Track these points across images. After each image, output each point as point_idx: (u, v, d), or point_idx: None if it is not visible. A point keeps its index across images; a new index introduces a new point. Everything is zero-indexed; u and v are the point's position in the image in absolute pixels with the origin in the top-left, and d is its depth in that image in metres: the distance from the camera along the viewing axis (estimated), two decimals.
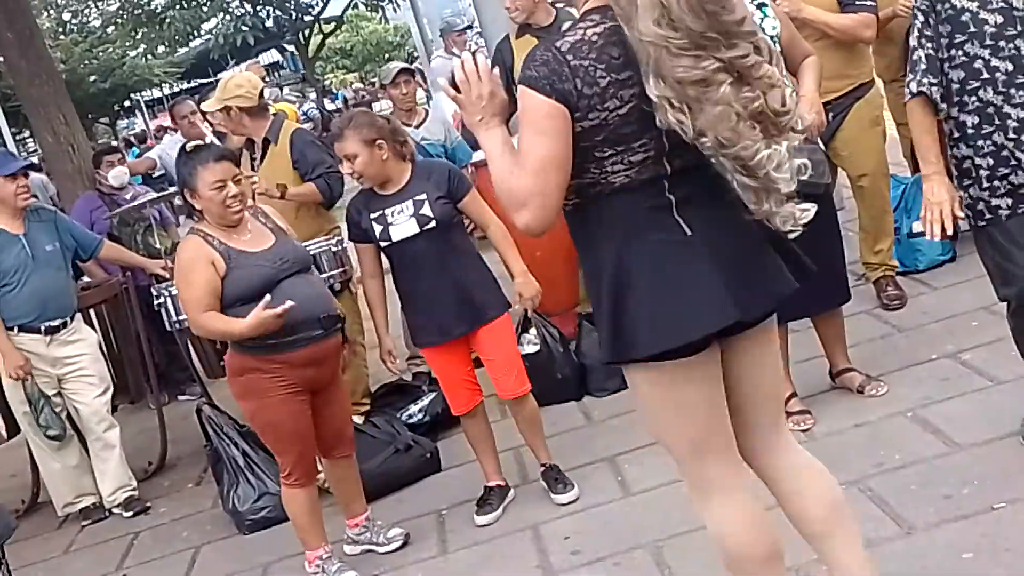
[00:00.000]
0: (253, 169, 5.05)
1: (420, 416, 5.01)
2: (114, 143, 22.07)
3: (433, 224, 3.90)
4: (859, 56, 4.95)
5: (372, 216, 3.95)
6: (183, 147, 3.88)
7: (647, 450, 4.21)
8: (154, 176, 8.32)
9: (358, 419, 4.84)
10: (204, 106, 5.12)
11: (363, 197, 4.04)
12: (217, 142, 5.72)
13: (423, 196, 3.92)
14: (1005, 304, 3.43)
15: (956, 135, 3.35)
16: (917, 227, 5.23)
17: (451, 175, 4.04)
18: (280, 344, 3.60)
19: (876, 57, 5.54)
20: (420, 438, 4.72)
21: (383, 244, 3.96)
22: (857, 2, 4.74)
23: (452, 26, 11.17)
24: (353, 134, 3.87)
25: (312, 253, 4.77)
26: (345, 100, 26.81)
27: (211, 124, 6.04)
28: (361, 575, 3.86)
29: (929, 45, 3.30)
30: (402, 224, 3.91)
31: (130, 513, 5.13)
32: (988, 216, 3.31)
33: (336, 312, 3.80)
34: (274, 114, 5.26)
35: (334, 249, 4.83)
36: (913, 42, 3.36)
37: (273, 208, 4.03)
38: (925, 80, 3.28)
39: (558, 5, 5.58)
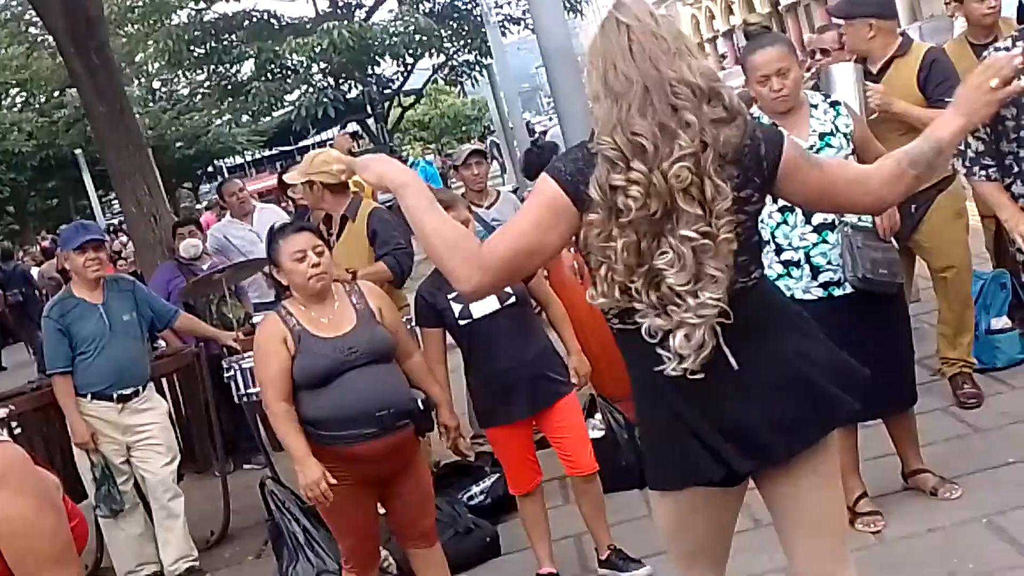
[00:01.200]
0: (329, 248, 5.11)
1: (482, 498, 4.97)
2: (197, 208, 22.65)
3: (513, 300, 3.92)
4: None
5: (450, 296, 3.94)
6: (271, 227, 3.92)
7: None
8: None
9: None
10: (287, 178, 5.19)
11: (435, 279, 4.04)
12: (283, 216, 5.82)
13: None
14: None
15: None
16: (996, 324, 5.17)
17: None
18: (332, 437, 3.54)
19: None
20: (481, 521, 4.68)
21: (462, 322, 3.94)
22: (946, 98, 4.68)
23: None
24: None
25: None
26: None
27: (291, 197, 6.15)
28: None
29: (983, 130, 3.30)
30: (483, 301, 3.89)
31: None
32: None
33: (407, 407, 3.67)
34: (354, 192, 5.34)
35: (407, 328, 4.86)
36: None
37: (372, 286, 3.96)
38: (975, 167, 3.26)
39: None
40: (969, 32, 5.34)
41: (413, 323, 4.59)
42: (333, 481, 3.47)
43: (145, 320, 5.28)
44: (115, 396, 5.06)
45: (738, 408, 2.34)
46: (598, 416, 4.90)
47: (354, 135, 28.39)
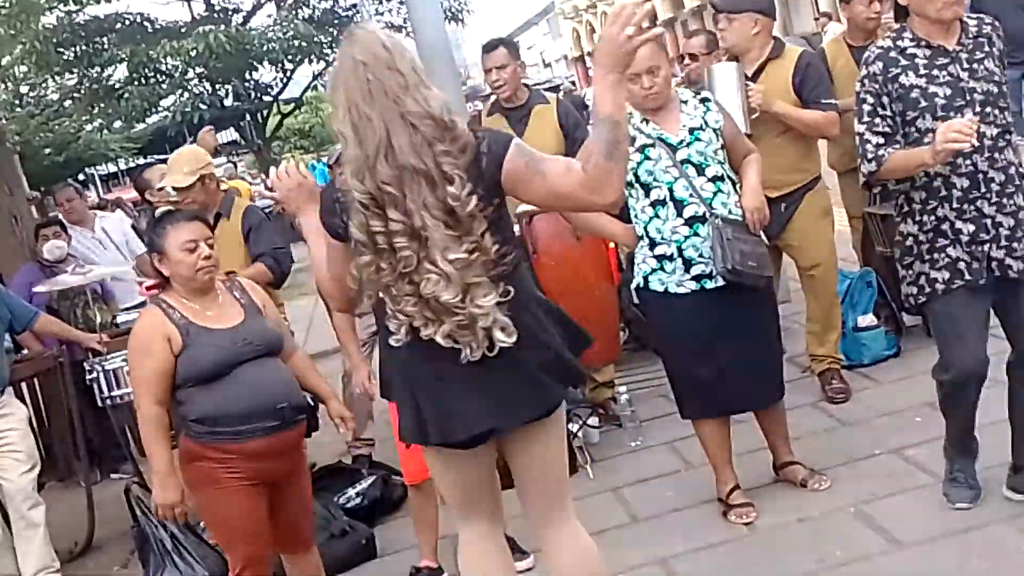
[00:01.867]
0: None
1: (358, 500, 4.88)
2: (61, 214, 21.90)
3: None
4: (814, 151, 5.03)
5: None
6: (153, 214, 3.75)
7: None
8: None
9: None
10: (172, 182, 4.90)
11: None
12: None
13: None
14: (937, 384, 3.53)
15: (905, 210, 3.45)
16: (863, 321, 5.30)
17: None
18: (231, 433, 3.38)
19: (830, 148, 5.60)
20: (356, 523, 4.59)
21: None
22: (822, 100, 4.80)
23: (477, 91, 11.07)
24: None
25: None
26: None
27: (149, 201, 5.90)
28: None
29: (884, 123, 3.38)
30: None
31: None
32: (928, 291, 3.39)
33: (302, 402, 3.56)
34: (225, 190, 5.19)
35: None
36: (861, 127, 3.44)
37: (252, 284, 3.82)
38: (882, 153, 3.36)
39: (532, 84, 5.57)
40: (848, 34, 5.49)
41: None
42: (189, 506, 3.35)
43: (2, 321, 5.04)
44: None
45: (483, 379, 2.64)
46: None
47: (232, 144, 27.92)
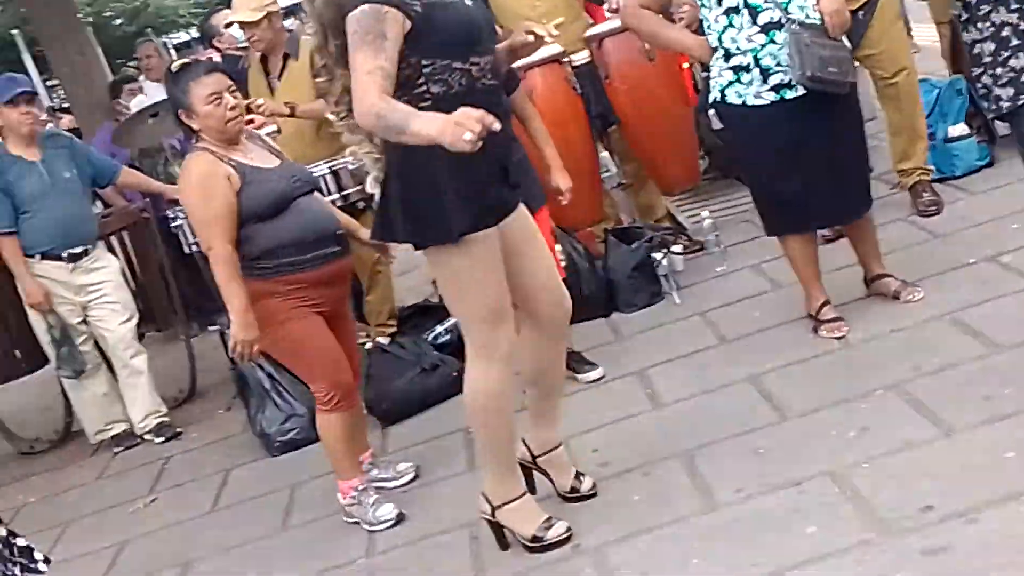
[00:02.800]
0: (271, 89, 4.92)
1: (447, 337, 4.91)
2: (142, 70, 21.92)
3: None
4: None
5: None
6: (168, 69, 3.69)
7: (677, 363, 4.15)
8: None
9: (384, 340, 4.79)
10: (241, 17, 4.81)
11: None
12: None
13: None
14: None
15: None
16: (953, 131, 5.11)
17: None
18: (297, 263, 3.45)
19: None
20: (447, 357, 4.64)
21: None
22: None
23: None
24: None
25: (335, 170, 4.73)
26: None
27: (217, 47, 5.84)
28: (388, 496, 3.80)
29: None
30: None
31: (161, 439, 5.12)
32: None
33: (344, 231, 3.68)
34: (290, 30, 5.09)
35: (352, 166, 4.72)
36: None
37: (262, 134, 3.88)
38: None
39: None
40: None
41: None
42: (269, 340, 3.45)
43: (87, 177, 5.10)
44: (65, 255, 4.92)
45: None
46: (558, 247, 4.81)
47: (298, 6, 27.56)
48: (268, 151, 3.65)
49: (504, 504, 3.11)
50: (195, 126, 3.50)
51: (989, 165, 5.12)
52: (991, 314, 3.67)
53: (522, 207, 3.05)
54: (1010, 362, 3.33)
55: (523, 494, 3.14)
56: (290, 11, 26.92)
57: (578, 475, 3.32)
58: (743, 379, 3.79)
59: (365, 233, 3.77)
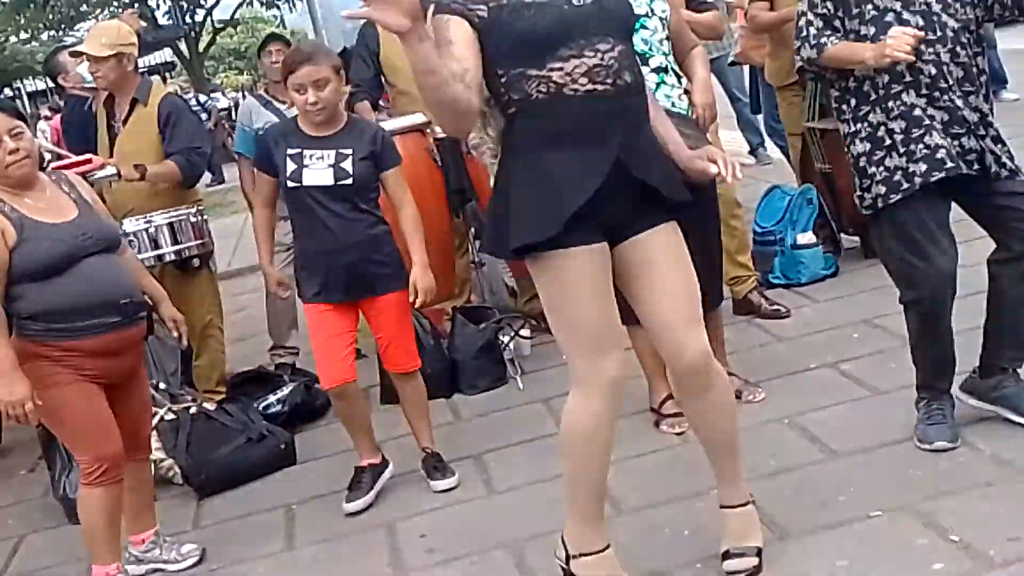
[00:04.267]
0: (111, 131, 4.67)
1: (279, 407, 4.70)
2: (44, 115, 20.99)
3: (349, 181, 3.62)
4: None
5: (289, 152, 3.63)
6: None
7: (515, 448, 4.03)
8: None
9: (210, 406, 4.52)
10: (87, 49, 4.56)
11: (285, 126, 3.78)
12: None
13: (349, 151, 3.64)
14: (904, 307, 3.29)
15: (872, 97, 3.19)
16: (802, 239, 5.20)
17: (384, 140, 3.76)
18: (70, 329, 3.16)
19: (769, 61, 5.47)
20: (275, 428, 4.41)
21: (290, 184, 3.63)
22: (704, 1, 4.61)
23: None
24: (326, 59, 3.59)
25: (170, 221, 4.48)
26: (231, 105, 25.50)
27: (61, 85, 5.58)
28: (198, 569, 3.54)
29: (823, 6, 3.19)
30: (318, 171, 3.61)
31: None
32: (905, 186, 3.12)
33: (142, 299, 3.39)
34: (142, 73, 4.86)
35: (193, 219, 4.50)
36: (802, 19, 3.25)
37: (80, 179, 3.56)
38: (822, 39, 3.17)
39: None
40: None
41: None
42: (39, 402, 3.09)
43: None
44: None
45: None
46: None
47: (167, 64, 27.03)
48: (72, 199, 3.33)
49: (581, 555, 2.78)
50: None
51: (834, 275, 5.23)
52: (829, 420, 3.68)
53: (666, 229, 2.69)
54: (845, 469, 3.31)
55: (604, 548, 2.78)
56: (157, 70, 26.20)
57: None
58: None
59: (168, 307, 3.60)
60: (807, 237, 5.21)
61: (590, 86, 2.53)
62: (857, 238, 5.41)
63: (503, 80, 2.56)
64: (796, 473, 3.36)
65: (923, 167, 3.09)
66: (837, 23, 3.18)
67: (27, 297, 3.15)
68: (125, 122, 4.66)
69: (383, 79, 5.26)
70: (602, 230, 2.60)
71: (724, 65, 7.59)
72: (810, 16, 3.22)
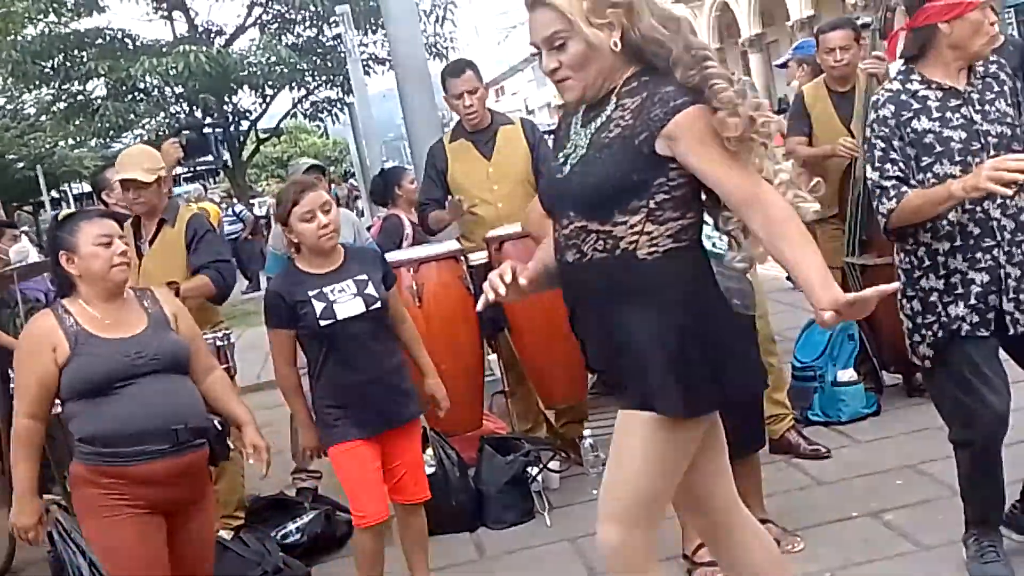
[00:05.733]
0: (139, 253, 4.64)
1: (297, 536, 4.57)
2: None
3: (379, 305, 3.59)
4: None
5: (310, 294, 3.55)
6: (55, 216, 3.44)
7: None
8: None
9: (227, 534, 4.39)
10: (136, 174, 4.58)
11: (291, 277, 3.67)
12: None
13: (364, 276, 3.61)
14: (955, 445, 3.24)
15: (926, 264, 3.20)
16: (842, 376, 5.04)
17: (383, 260, 3.81)
18: (116, 455, 3.00)
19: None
20: (292, 561, 4.28)
21: (324, 323, 3.54)
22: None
23: None
24: (321, 184, 3.60)
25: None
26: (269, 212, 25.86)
27: (105, 201, 5.61)
28: None
29: (895, 167, 3.15)
30: (347, 302, 3.55)
31: None
32: (951, 335, 3.15)
33: (202, 424, 3.19)
34: (170, 197, 4.88)
35: (219, 343, 4.42)
36: (874, 173, 3.20)
37: (168, 293, 3.48)
38: (903, 190, 3.14)
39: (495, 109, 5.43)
40: (827, 78, 5.31)
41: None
42: (42, 531, 3.03)
43: None
44: None
45: None
46: (429, 451, 4.54)
47: (208, 168, 27.55)
48: (148, 314, 3.20)
49: None
50: (74, 271, 3.12)
51: (875, 414, 5.07)
52: None
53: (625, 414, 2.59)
54: None
55: None
56: (200, 175, 26.49)
57: None
58: None
59: (251, 433, 3.34)
60: (848, 374, 5.06)
61: (561, 257, 2.55)
62: (899, 375, 5.26)
63: None
64: None
65: (975, 318, 3.14)
66: (912, 181, 3.16)
67: (80, 417, 3.05)
68: (151, 242, 4.64)
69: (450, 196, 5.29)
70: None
71: None
72: (881, 180, 3.19)
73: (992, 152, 3.11)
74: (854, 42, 5.19)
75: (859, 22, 5.75)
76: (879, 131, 3.20)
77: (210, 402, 3.30)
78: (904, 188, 3.14)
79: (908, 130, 3.16)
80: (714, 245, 3.51)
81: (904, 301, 3.27)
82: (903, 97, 3.19)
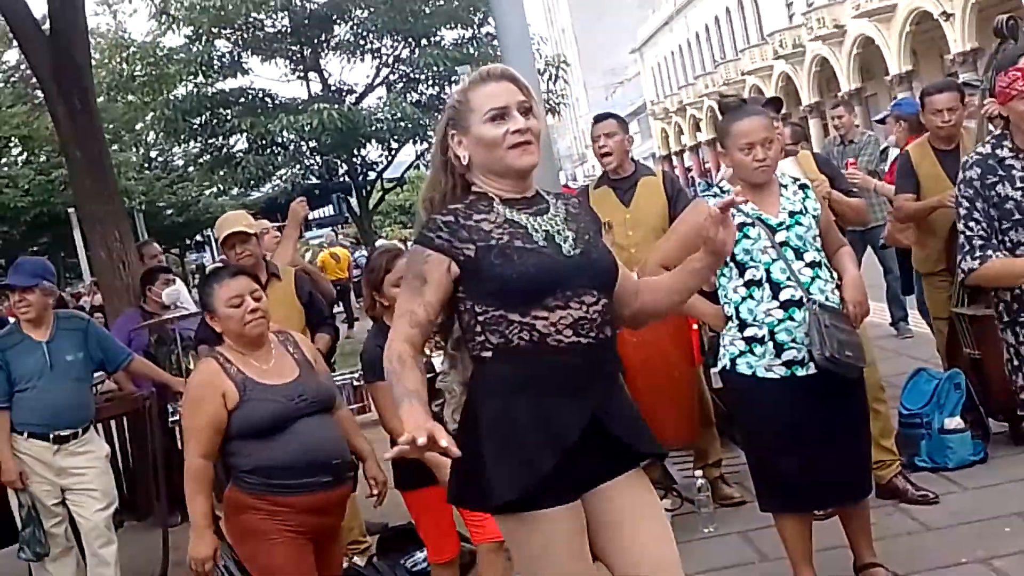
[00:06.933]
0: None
1: (424, 565, 4.57)
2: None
3: None
4: None
5: None
6: (204, 271, 3.60)
7: None
8: None
9: (360, 560, 4.46)
10: (241, 228, 4.88)
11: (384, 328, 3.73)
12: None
13: None
14: None
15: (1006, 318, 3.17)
16: (950, 423, 4.89)
17: None
18: (285, 486, 3.17)
19: (917, 248, 5.28)
20: None
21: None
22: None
23: None
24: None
25: (348, 380, 4.54)
26: None
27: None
28: None
29: (979, 227, 3.12)
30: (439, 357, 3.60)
31: None
32: None
33: (350, 459, 3.37)
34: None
35: (356, 383, 4.53)
36: (961, 226, 3.19)
37: (304, 338, 3.63)
38: (987, 252, 3.10)
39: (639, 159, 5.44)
40: (931, 137, 5.21)
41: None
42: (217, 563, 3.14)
43: (93, 361, 4.88)
44: (51, 436, 4.64)
45: None
46: None
47: (337, 216, 28.21)
48: (296, 360, 3.37)
49: None
50: (218, 328, 3.33)
51: (982, 461, 4.88)
52: None
53: (632, 476, 2.47)
54: None
55: None
56: (330, 222, 26.64)
57: None
58: None
59: (372, 467, 3.50)
60: (955, 422, 4.90)
61: (574, 338, 2.34)
62: (1006, 424, 5.08)
63: (480, 320, 2.36)
64: None
65: None
66: (994, 241, 3.12)
67: (245, 453, 3.19)
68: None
69: None
70: (574, 485, 2.37)
71: (878, 237, 7.40)
72: (968, 233, 3.17)
73: None
74: (959, 103, 5.09)
75: (960, 81, 5.64)
76: (965, 191, 3.20)
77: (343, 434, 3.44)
78: (989, 252, 3.11)
79: (991, 193, 3.14)
80: (827, 299, 3.49)
81: (1006, 346, 3.21)
82: (990, 162, 3.18)
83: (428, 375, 2.43)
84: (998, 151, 3.18)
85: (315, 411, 3.27)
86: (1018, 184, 3.12)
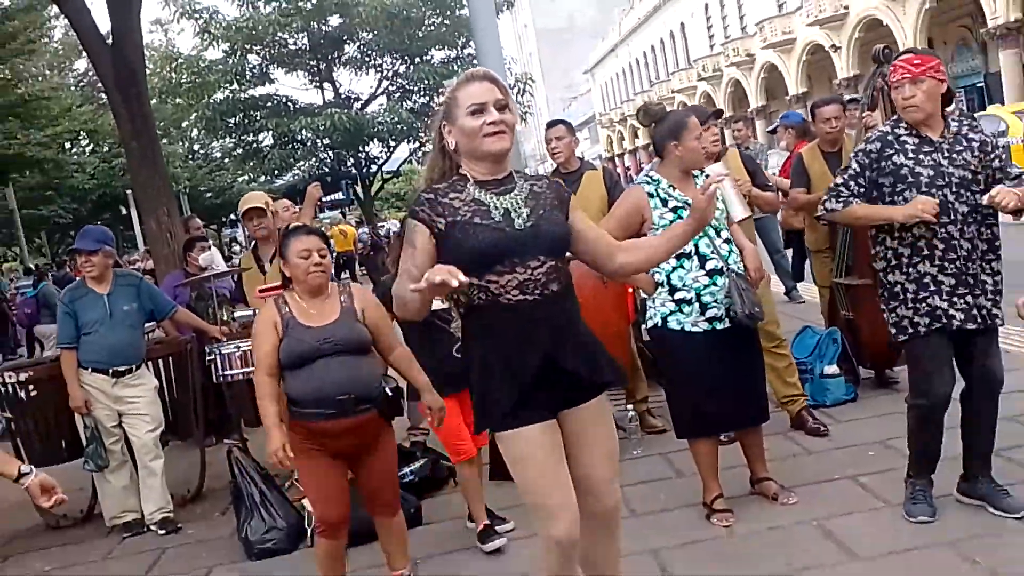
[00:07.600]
0: (263, 271, 4.84)
1: (411, 477, 4.59)
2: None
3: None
4: None
5: None
6: (287, 227, 3.58)
7: None
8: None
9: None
10: (258, 204, 4.97)
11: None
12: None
13: None
14: (908, 407, 3.30)
15: (892, 263, 3.21)
16: (828, 370, 4.95)
17: None
18: (304, 414, 3.13)
19: (808, 231, 5.32)
20: (407, 495, 4.28)
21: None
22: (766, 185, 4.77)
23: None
24: None
25: None
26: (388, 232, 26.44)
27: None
28: None
29: (855, 184, 3.21)
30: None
31: (163, 531, 4.67)
32: (910, 331, 3.16)
33: (370, 395, 3.15)
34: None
35: None
36: (840, 179, 3.25)
37: (362, 291, 3.42)
38: (851, 201, 3.21)
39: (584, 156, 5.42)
40: (820, 143, 5.23)
41: None
42: (291, 454, 3.05)
43: (144, 311, 4.83)
44: (111, 371, 4.61)
45: None
46: None
47: (344, 200, 28.03)
48: (344, 307, 3.22)
49: None
50: (287, 273, 3.25)
51: (853, 400, 4.95)
52: (851, 526, 3.41)
53: (594, 403, 2.47)
54: (864, 570, 3.05)
55: None
56: (339, 204, 26.50)
57: None
58: (646, 551, 3.47)
59: (429, 396, 3.31)
60: (832, 369, 4.96)
61: (520, 296, 2.33)
62: (872, 371, 5.15)
63: None
64: (823, 571, 3.10)
65: (926, 320, 3.16)
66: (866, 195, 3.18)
67: (286, 381, 3.16)
68: (271, 262, 4.88)
69: None
70: (549, 408, 2.39)
71: (767, 224, 7.46)
72: (843, 183, 3.23)
73: (954, 188, 3.10)
74: (843, 113, 5.12)
75: (846, 99, 5.67)
76: (861, 158, 3.22)
77: (399, 371, 3.37)
78: (852, 201, 3.18)
79: (888, 163, 3.16)
80: (740, 268, 3.51)
81: (883, 292, 3.28)
82: (889, 138, 3.21)
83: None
84: (896, 130, 3.20)
85: (338, 352, 3.12)
86: (910, 154, 3.14)
